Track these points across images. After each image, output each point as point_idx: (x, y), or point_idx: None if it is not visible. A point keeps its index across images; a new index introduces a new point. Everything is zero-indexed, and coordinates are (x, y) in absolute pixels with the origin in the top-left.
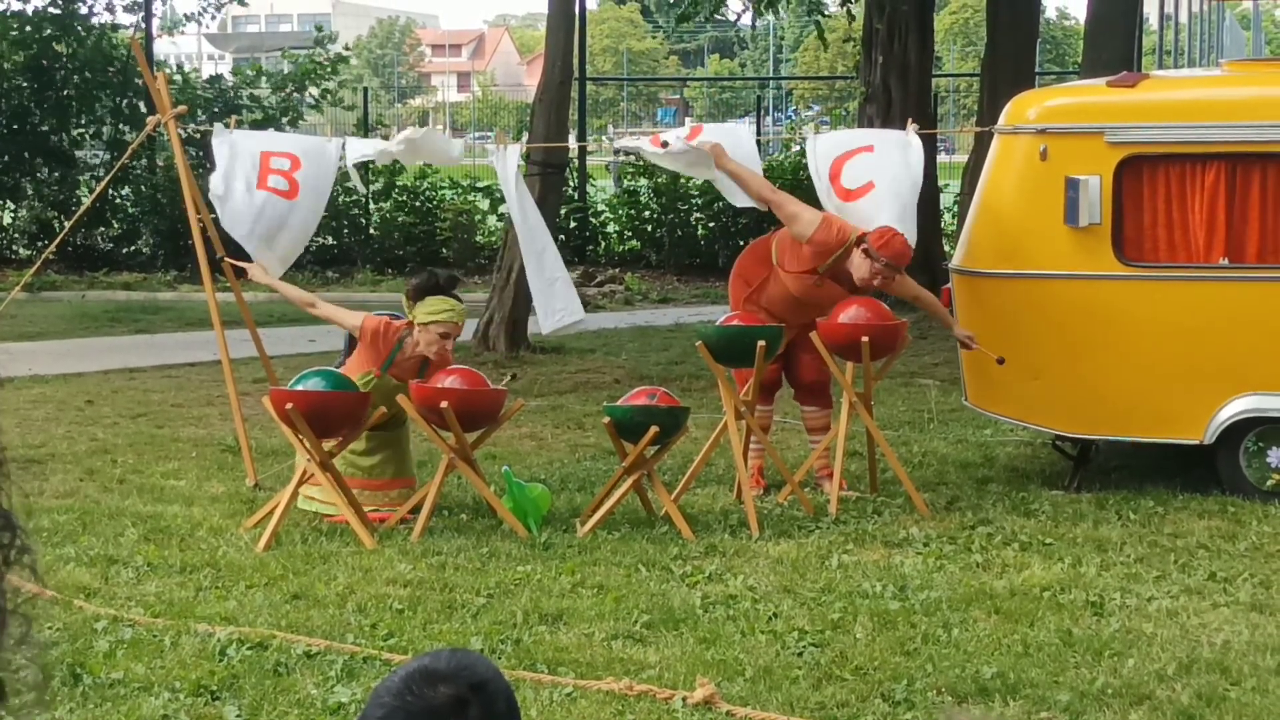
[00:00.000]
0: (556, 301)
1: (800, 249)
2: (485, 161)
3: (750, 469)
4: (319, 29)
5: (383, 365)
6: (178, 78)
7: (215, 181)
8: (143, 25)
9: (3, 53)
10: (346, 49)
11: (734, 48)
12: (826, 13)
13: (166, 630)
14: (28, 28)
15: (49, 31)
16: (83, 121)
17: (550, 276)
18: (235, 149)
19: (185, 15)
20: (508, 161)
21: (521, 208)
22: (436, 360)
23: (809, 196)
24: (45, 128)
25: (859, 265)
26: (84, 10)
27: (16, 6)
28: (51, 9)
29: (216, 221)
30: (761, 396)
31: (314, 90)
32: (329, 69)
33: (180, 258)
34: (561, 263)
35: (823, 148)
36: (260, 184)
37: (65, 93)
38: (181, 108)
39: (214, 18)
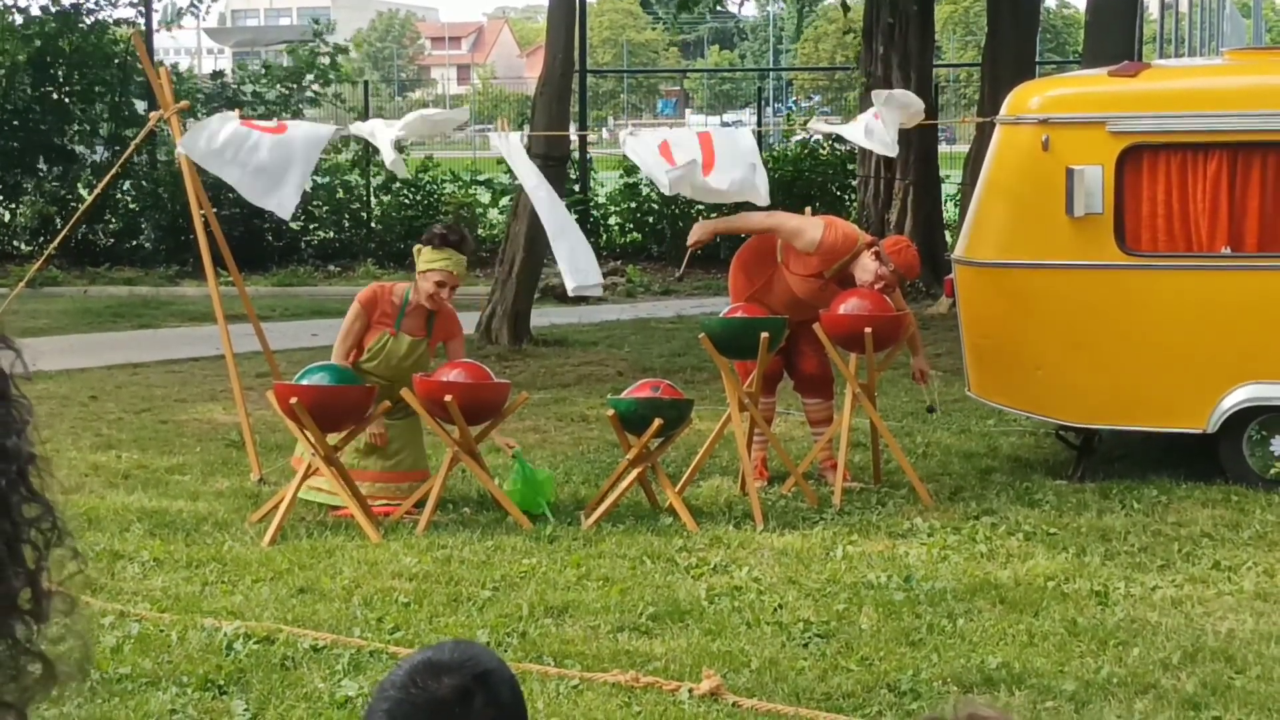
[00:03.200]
0: (580, 262)
1: (808, 254)
2: (486, 154)
3: (753, 460)
4: (316, 21)
5: (396, 321)
6: (179, 72)
7: (189, 135)
8: (143, 19)
9: (7, 50)
10: (345, 42)
11: (734, 39)
12: (818, 5)
13: (173, 625)
14: (32, 25)
15: (52, 27)
16: (82, 118)
17: (573, 241)
18: (224, 122)
19: (181, 9)
20: (510, 143)
21: (537, 180)
22: (436, 310)
23: (807, 186)
24: (45, 126)
25: (865, 267)
26: (90, 4)
27: (21, 4)
28: (53, 5)
29: (219, 215)
30: (764, 389)
31: (316, 86)
32: (329, 65)
33: (181, 252)
34: (579, 230)
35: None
36: (245, 124)
37: (68, 89)
38: (184, 103)
39: (208, 10)
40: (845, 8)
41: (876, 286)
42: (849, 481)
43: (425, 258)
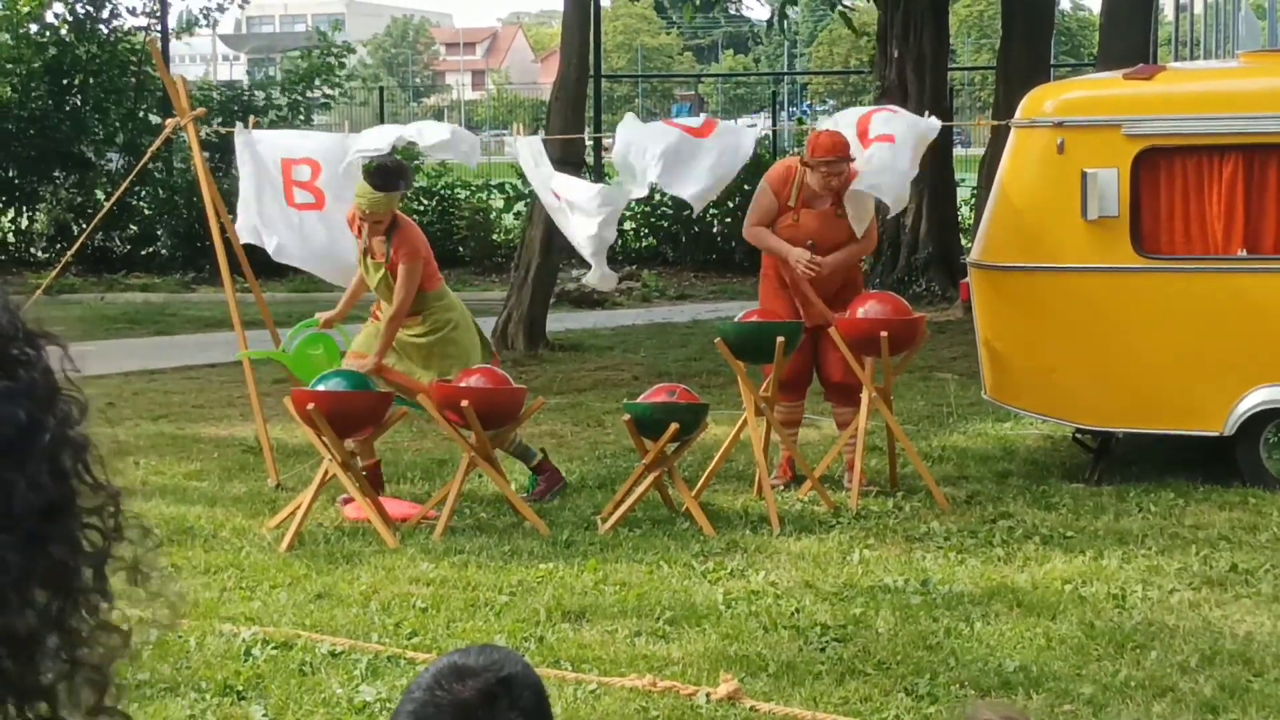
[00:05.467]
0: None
1: (773, 204)
2: (501, 159)
3: (780, 459)
4: (319, 31)
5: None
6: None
7: (244, 193)
8: (158, 27)
9: (24, 58)
10: (351, 41)
11: (748, 43)
12: (848, 2)
13: (191, 631)
14: (47, 33)
15: (67, 35)
16: (98, 125)
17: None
18: (258, 158)
19: (196, 15)
20: (521, 149)
21: (548, 180)
22: (391, 237)
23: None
24: (61, 133)
25: (811, 179)
26: (104, 14)
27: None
28: (69, 15)
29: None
30: (792, 392)
31: (326, 89)
32: (337, 64)
33: (198, 259)
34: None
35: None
36: (289, 201)
37: (83, 97)
38: (200, 110)
39: (222, 11)
40: (847, 21)
41: (831, 184)
42: (865, 485)
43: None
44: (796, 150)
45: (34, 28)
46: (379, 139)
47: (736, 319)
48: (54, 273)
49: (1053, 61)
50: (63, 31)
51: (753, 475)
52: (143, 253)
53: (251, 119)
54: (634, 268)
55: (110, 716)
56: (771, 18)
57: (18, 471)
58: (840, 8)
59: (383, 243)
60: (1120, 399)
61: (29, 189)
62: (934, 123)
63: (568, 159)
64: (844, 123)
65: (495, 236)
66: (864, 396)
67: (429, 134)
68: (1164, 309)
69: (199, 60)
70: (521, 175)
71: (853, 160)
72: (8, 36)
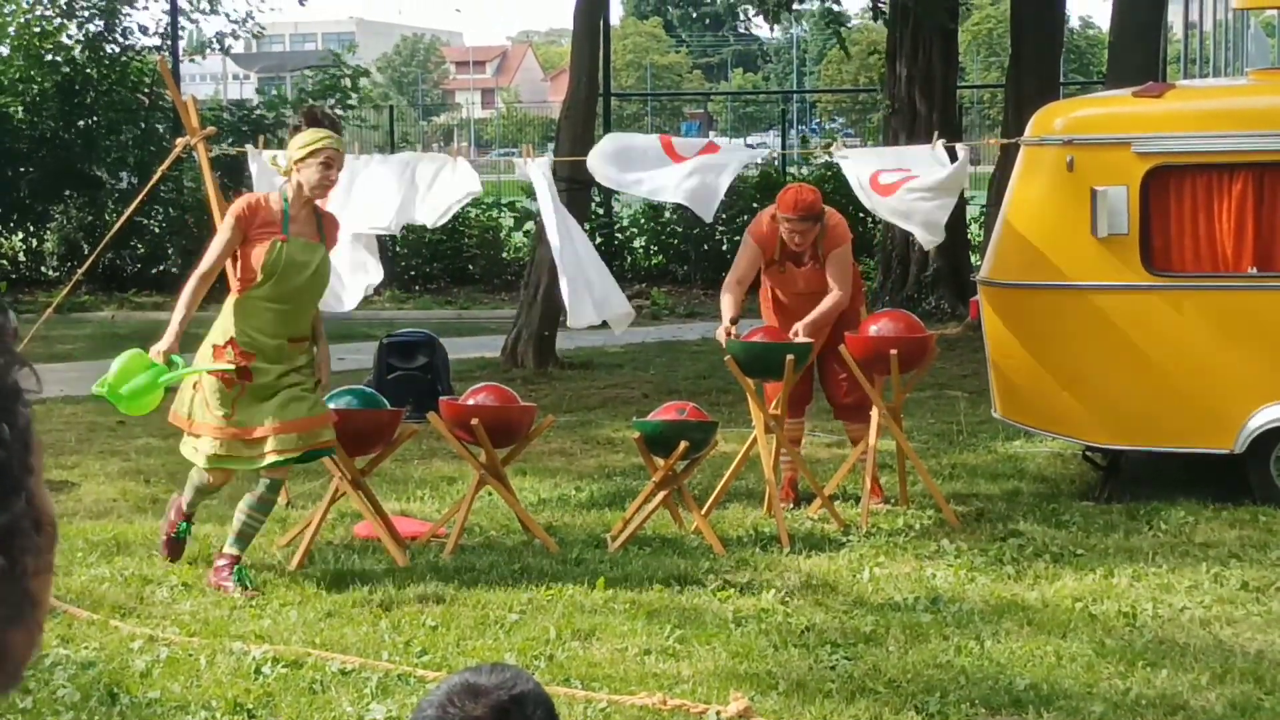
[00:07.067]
0: (598, 294)
1: (759, 258)
2: (510, 178)
3: (781, 482)
4: (335, 53)
5: (282, 226)
6: (204, 104)
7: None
8: (169, 47)
9: (35, 78)
10: (365, 65)
11: (757, 61)
12: (848, 24)
13: (202, 649)
14: (59, 54)
15: (79, 55)
16: (109, 145)
17: (589, 276)
18: (266, 173)
19: (209, 41)
20: (533, 172)
21: (557, 215)
22: (322, 210)
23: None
24: (71, 153)
25: (783, 233)
26: (116, 33)
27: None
28: (81, 36)
29: None
30: (792, 409)
31: (339, 110)
32: (350, 86)
33: None
34: (599, 263)
35: (858, 164)
36: None
37: (94, 118)
38: (211, 129)
39: (236, 39)
40: (843, 46)
41: (795, 241)
42: (875, 503)
43: (303, 140)
44: (805, 170)
45: (45, 48)
46: (382, 216)
47: (744, 336)
48: (65, 291)
49: (1062, 79)
50: (75, 52)
51: (763, 493)
52: (153, 271)
53: (261, 138)
54: (643, 285)
55: None
56: (775, 13)
57: None
58: (838, 29)
59: (312, 216)
60: (1130, 417)
61: (40, 209)
62: (945, 159)
63: (577, 178)
64: (860, 169)
65: (505, 254)
66: (874, 415)
67: (436, 203)
68: (1174, 327)
69: (209, 79)
70: (532, 194)
71: (818, 221)
72: (20, 57)
